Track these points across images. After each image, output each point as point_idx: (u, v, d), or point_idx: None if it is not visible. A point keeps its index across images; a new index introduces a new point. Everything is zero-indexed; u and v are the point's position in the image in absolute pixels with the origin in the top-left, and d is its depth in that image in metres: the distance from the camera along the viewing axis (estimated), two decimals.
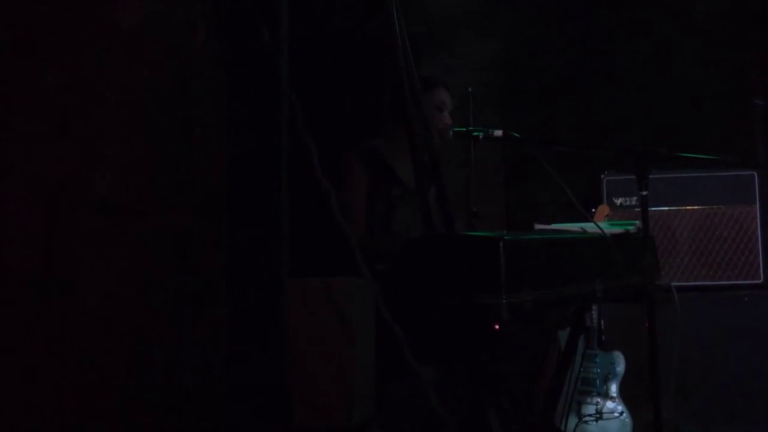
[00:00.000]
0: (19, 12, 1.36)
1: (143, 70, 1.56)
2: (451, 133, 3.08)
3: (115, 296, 1.45)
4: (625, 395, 3.59)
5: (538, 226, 2.92)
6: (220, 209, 1.72)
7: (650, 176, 2.82)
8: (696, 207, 4.07)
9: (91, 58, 1.45)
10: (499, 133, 2.91)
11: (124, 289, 1.47)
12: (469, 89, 3.70)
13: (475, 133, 2.96)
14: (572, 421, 3.44)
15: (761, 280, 4.00)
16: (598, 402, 3.54)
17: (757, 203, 4.02)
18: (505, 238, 2.20)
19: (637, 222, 2.91)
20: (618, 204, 4.13)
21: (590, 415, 3.52)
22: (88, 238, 1.38)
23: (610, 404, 3.55)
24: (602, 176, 4.17)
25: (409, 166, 3.16)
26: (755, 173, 4.05)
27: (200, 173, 1.68)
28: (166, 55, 1.62)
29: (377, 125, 3.26)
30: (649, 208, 2.83)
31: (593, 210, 3.32)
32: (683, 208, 4.08)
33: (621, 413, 3.55)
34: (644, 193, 2.78)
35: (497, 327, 2.21)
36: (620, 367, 3.59)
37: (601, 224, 2.81)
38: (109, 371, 1.46)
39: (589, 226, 2.79)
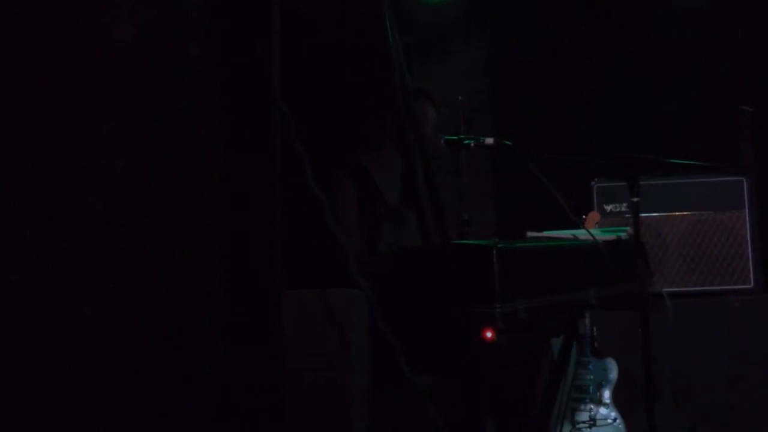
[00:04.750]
0: (9, 23, 1.36)
1: (135, 82, 1.56)
2: (442, 141, 3.09)
3: (111, 309, 1.45)
4: (618, 401, 3.60)
5: (530, 234, 2.92)
6: (213, 221, 1.72)
7: (640, 183, 2.84)
8: (686, 213, 4.09)
9: (83, 70, 1.45)
10: (490, 141, 2.92)
11: (119, 302, 1.47)
12: (460, 98, 3.72)
13: (467, 142, 2.97)
14: (566, 428, 3.45)
15: (751, 285, 4.02)
16: (591, 408, 3.55)
17: (746, 209, 4.05)
18: (499, 246, 2.20)
19: (629, 228, 2.92)
20: (608, 211, 4.15)
21: (584, 422, 3.53)
22: (83, 250, 1.38)
23: (603, 411, 3.56)
24: (592, 183, 4.19)
25: (392, 183, 3.18)
26: (744, 179, 4.07)
27: (193, 185, 1.68)
28: (158, 68, 1.62)
29: (362, 140, 3.26)
30: (640, 215, 2.84)
31: (584, 217, 3.34)
32: (673, 214, 4.10)
33: (614, 419, 3.55)
34: (635, 199, 2.79)
35: (491, 335, 2.21)
36: (613, 374, 3.60)
37: (592, 231, 2.82)
38: (105, 383, 1.46)
39: (581, 233, 2.80)
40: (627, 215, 3.99)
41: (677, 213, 4.10)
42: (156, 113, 1.60)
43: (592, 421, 3.53)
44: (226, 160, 1.76)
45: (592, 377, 3.58)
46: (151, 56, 1.60)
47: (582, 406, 3.56)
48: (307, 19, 3.19)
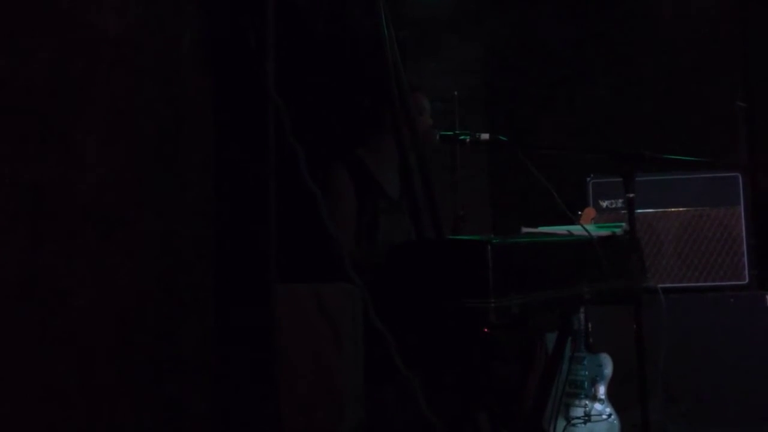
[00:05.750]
0: (1, 14, 1.35)
1: (129, 75, 1.55)
2: (437, 136, 3.08)
3: (102, 304, 1.44)
4: (612, 397, 3.60)
5: (525, 230, 2.92)
6: (207, 215, 1.71)
7: (636, 178, 2.83)
8: (681, 209, 4.10)
9: (77, 62, 1.44)
10: (485, 136, 2.91)
11: (110, 297, 1.46)
12: (455, 93, 3.70)
13: (462, 137, 2.96)
14: (560, 423, 3.45)
15: (746, 281, 4.02)
16: (586, 404, 3.55)
17: (742, 205, 4.05)
18: (493, 241, 2.19)
19: (624, 224, 2.92)
20: (604, 206, 4.15)
21: (578, 418, 3.53)
22: (75, 245, 1.37)
23: (598, 406, 3.56)
24: (588, 179, 4.19)
25: (391, 177, 3.17)
26: (739, 175, 4.07)
27: (187, 179, 1.67)
28: (151, 61, 1.61)
29: (359, 134, 3.25)
30: (635, 210, 2.84)
31: (579, 213, 3.33)
32: (668, 210, 4.11)
33: (609, 415, 3.55)
34: (631, 195, 2.78)
35: (486, 331, 2.21)
36: (608, 370, 3.60)
37: (587, 227, 2.81)
38: (97, 378, 1.45)
39: (576, 229, 2.79)
40: (622, 211, 3.99)
41: (672, 209, 4.10)
42: (149, 106, 1.59)
43: (587, 417, 3.53)
44: (220, 153, 1.75)
45: (586, 373, 3.58)
46: (144, 49, 1.59)
47: (576, 402, 3.56)
48: (302, 13, 3.18)
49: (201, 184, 1.70)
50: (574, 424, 3.51)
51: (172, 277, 1.60)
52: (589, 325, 3.61)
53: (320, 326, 1.95)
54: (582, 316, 3.54)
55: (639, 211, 3.40)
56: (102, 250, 1.43)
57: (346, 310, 2.00)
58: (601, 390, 3.57)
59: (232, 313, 1.74)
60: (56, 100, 1.38)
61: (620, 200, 4.07)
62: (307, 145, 1.83)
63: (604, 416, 3.54)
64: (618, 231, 2.90)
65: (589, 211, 3.40)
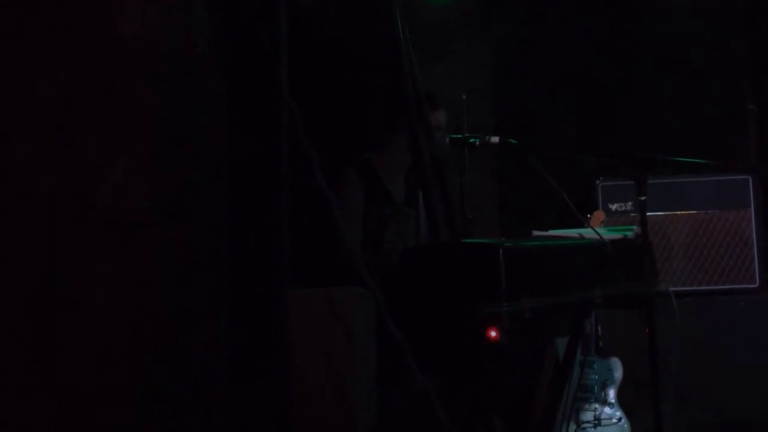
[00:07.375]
0: (19, 20, 1.35)
1: (144, 79, 1.55)
2: (447, 140, 3.08)
3: (118, 307, 1.44)
4: (623, 401, 3.59)
5: (535, 233, 2.91)
6: (221, 219, 1.71)
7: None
8: (691, 212, 4.08)
9: (92, 67, 1.44)
10: (495, 140, 2.90)
11: (126, 301, 1.46)
12: (464, 96, 3.70)
13: (472, 140, 2.95)
14: (571, 427, 3.43)
15: (757, 284, 4.01)
16: (596, 408, 3.54)
17: (752, 207, 4.03)
18: (505, 245, 2.19)
19: (635, 227, 2.91)
20: (613, 209, 4.13)
21: (589, 422, 3.51)
22: (91, 249, 1.37)
23: (608, 410, 3.55)
24: (597, 182, 4.18)
25: (398, 182, 3.17)
26: (750, 177, 4.06)
27: (202, 183, 1.67)
28: (166, 65, 1.61)
29: (369, 138, 3.25)
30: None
31: (589, 216, 3.32)
32: (679, 213, 4.09)
33: (619, 419, 3.54)
34: (642, 198, 2.77)
35: (495, 335, 2.20)
36: (618, 374, 3.59)
37: (599, 230, 2.80)
38: (111, 381, 1.45)
39: (587, 232, 2.78)
40: (632, 214, 3.99)
41: (683, 212, 4.09)
42: (165, 111, 1.59)
43: (597, 421, 3.52)
44: (234, 156, 1.75)
45: (596, 377, 3.57)
46: (159, 53, 1.59)
47: (587, 406, 3.55)
48: (316, 16, 3.18)
49: (215, 187, 1.70)
50: (584, 428, 3.50)
51: (187, 281, 1.60)
52: (600, 329, 3.60)
53: (333, 330, 1.95)
54: (593, 319, 3.53)
55: (649, 214, 3.38)
56: (118, 255, 1.42)
57: (358, 313, 2.00)
58: (611, 394, 3.56)
59: (246, 317, 1.74)
60: (73, 105, 1.38)
61: (629, 203, 4.06)
62: (317, 148, 1.83)
63: (614, 420, 3.53)
64: (629, 234, 2.89)
65: (599, 214, 3.39)
